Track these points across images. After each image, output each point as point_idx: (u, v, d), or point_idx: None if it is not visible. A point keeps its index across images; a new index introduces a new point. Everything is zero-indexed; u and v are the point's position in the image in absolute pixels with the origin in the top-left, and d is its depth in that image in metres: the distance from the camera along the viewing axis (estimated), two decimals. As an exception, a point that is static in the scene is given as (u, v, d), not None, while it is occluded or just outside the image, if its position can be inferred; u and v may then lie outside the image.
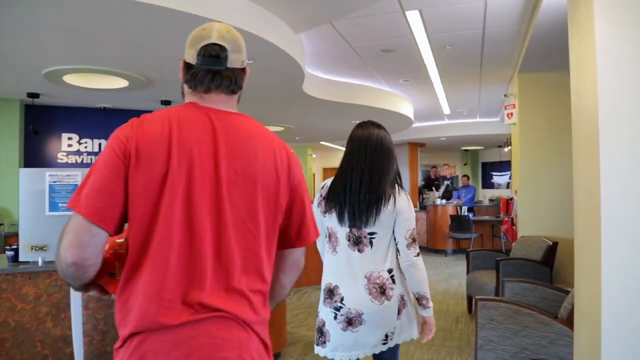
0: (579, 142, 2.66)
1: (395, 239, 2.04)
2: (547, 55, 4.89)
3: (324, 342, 2.06)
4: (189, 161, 1.15)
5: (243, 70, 1.32)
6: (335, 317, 2.00)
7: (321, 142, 14.71)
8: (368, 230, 2.00)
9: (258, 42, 3.98)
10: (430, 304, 2.12)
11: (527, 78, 5.79)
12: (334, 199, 2.04)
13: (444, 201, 10.55)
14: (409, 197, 2.12)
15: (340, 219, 2.02)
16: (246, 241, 1.21)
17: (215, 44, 1.24)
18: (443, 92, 7.36)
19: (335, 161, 17.79)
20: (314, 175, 18.34)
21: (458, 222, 9.86)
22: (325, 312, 2.06)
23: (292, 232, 1.36)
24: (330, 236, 2.09)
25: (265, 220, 1.25)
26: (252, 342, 1.20)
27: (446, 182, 11.03)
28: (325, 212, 2.08)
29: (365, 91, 6.86)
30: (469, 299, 5.48)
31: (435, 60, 5.66)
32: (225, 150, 1.20)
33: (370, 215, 1.97)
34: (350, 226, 2.01)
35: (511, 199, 6.19)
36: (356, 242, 2.01)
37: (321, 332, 2.08)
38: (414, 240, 2.04)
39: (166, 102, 6.43)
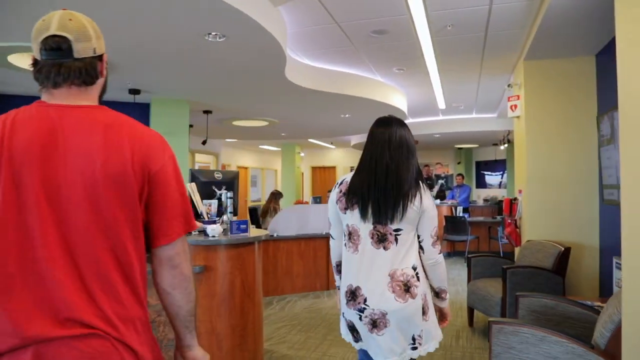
0: (629, 135, 2.07)
1: (419, 237, 2.03)
2: (558, 39, 4.37)
3: (359, 340, 2.05)
4: (17, 165, 1.12)
5: (98, 58, 1.27)
6: (361, 319, 1.97)
7: (309, 140, 14.13)
8: (394, 227, 1.95)
9: (230, 14, 3.38)
10: (448, 296, 2.18)
11: (534, 66, 5.24)
12: (357, 195, 1.98)
13: (437, 201, 9.99)
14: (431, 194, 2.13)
15: (364, 215, 1.96)
16: (96, 243, 1.16)
17: (55, 36, 1.19)
18: (439, 83, 6.79)
19: (325, 160, 17.27)
20: (302, 174, 17.75)
21: (453, 224, 9.32)
22: (350, 314, 2.01)
23: (154, 226, 1.27)
24: (351, 234, 2.01)
25: (124, 217, 1.19)
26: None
27: (440, 182, 10.49)
28: (345, 209, 2.01)
29: (355, 81, 6.28)
30: (470, 310, 4.91)
31: (433, 44, 5.09)
32: (65, 149, 1.15)
33: (397, 211, 1.93)
34: (375, 222, 1.96)
35: (515, 199, 5.64)
36: (381, 240, 1.96)
37: (354, 329, 2.04)
38: (437, 238, 2.04)
39: (134, 91, 5.80)
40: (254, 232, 3.69)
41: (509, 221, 5.81)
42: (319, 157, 17.16)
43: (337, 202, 2.06)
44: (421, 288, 1.98)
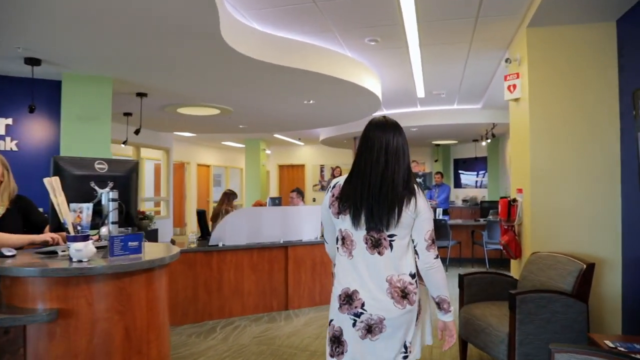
0: None
1: (413, 241, 1.96)
2: (571, 2, 3.38)
3: (342, 353, 1.93)
4: None
5: None
6: (354, 324, 1.90)
7: (275, 136, 12.94)
8: (388, 232, 1.90)
9: None
10: (452, 308, 2.00)
11: (540, 35, 4.22)
12: (349, 202, 1.91)
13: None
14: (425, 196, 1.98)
15: (356, 223, 1.90)
16: None
17: None
18: (420, 61, 5.70)
19: (293, 157, 16.10)
20: (268, 172, 16.53)
21: (436, 228, 8.28)
22: (342, 320, 1.93)
23: None
24: (345, 239, 1.95)
25: None
26: None
27: (418, 180, 9.44)
28: (338, 214, 1.95)
29: (318, 54, 5.13)
30: (463, 343, 3.82)
31: (416, 5, 3.99)
32: None
33: (392, 217, 1.88)
34: (368, 229, 1.90)
35: (514, 200, 4.59)
36: (375, 245, 1.90)
37: (339, 341, 1.94)
38: (433, 241, 1.96)
39: (32, 61, 4.51)
40: (157, 249, 2.51)
41: (505, 227, 4.76)
42: (286, 155, 15.98)
43: (329, 207, 1.99)
44: (418, 295, 1.95)
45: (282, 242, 5.49)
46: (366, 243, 1.91)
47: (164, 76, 5.22)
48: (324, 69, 5.01)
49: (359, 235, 1.92)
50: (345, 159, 14.60)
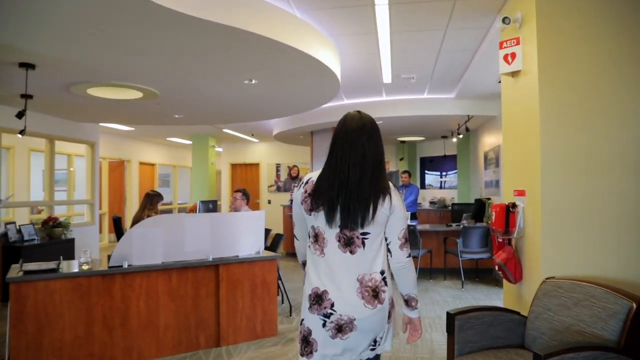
0: None
1: (386, 239, 1.94)
2: None
3: (310, 352, 1.91)
4: None
5: None
6: (324, 325, 1.88)
7: (225, 131, 11.60)
8: (361, 230, 1.87)
9: None
10: (419, 305, 2.04)
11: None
12: (323, 198, 1.86)
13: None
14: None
15: (330, 220, 1.86)
16: None
17: None
18: (388, 31, 4.56)
19: (247, 155, 14.76)
20: (219, 172, 15.15)
21: (400, 235, 7.19)
22: (311, 320, 1.91)
23: None
24: (317, 236, 1.92)
25: None
26: None
27: None
28: (311, 211, 1.90)
29: (256, 10, 3.88)
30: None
31: None
32: None
33: (367, 214, 1.85)
34: (342, 227, 1.87)
35: (514, 205, 3.48)
36: (347, 243, 1.88)
37: (307, 341, 1.92)
38: (406, 240, 1.97)
39: None
40: None
41: (500, 240, 3.67)
42: (239, 153, 14.64)
43: (302, 203, 1.95)
44: (388, 293, 1.92)
45: (211, 259, 4.23)
46: (338, 241, 1.89)
47: (55, 40, 3.86)
48: (260, 28, 3.76)
49: (331, 233, 1.89)
50: (302, 157, 13.38)
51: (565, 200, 3.02)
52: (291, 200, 10.27)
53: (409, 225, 6.77)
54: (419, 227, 7.49)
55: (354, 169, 1.86)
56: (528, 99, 3.28)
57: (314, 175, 1.97)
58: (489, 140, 8.22)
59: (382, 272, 1.90)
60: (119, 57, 4.37)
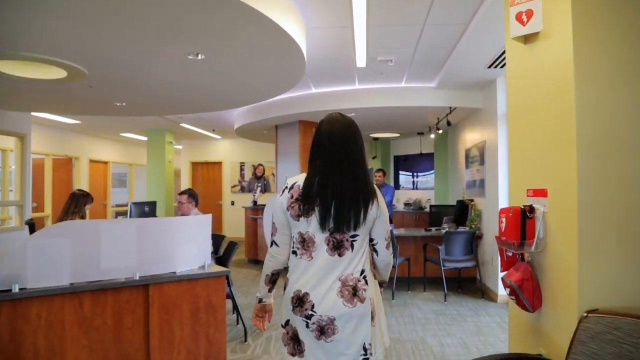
0: None
1: (372, 240, 1.99)
2: None
3: (302, 352, 1.93)
4: None
5: None
6: (307, 326, 1.89)
7: (182, 125, 10.57)
8: (351, 233, 1.90)
9: None
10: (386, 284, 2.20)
11: None
12: (315, 202, 1.88)
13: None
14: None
15: (324, 224, 1.88)
16: None
17: None
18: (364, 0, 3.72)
19: (209, 153, 13.72)
20: (178, 171, 14.08)
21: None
22: (296, 321, 1.93)
23: None
24: (305, 241, 1.92)
25: None
26: None
27: None
28: (299, 216, 1.90)
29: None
30: None
31: None
32: None
33: (359, 217, 1.88)
34: (334, 230, 1.88)
35: (531, 209, 2.66)
36: (337, 246, 1.90)
37: (298, 340, 1.94)
38: (390, 239, 2.03)
39: None
40: None
41: (510, 254, 2.85)
42: (200, 150, 13.59)
43: (287, 209, 1.93)
44: (369, 292, 1.92)
45: (138, 277, 3.28)
46: (327, 244, 1.89)
47: None
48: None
49: (322, 237, 1.90)
50: (268, 156, 12.45)
51: (612, 201, 2.21)
52: (254, 202, 9.32)
53: None
54: (395, 232, 6.67)
55: (344, 173, 1.87)
56: (553, 71, 2.46)
57: (299, 179, 1.97)
58: (471, 136, 7.49)
59: (363, 272, 1.93)
60: (28, 18, 3.38)
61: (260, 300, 2.14)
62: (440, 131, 7.97)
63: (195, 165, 13.72)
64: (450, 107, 6.81)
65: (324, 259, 1.88)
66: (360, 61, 5.57)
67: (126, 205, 14.23)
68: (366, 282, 1.91)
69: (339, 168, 1.88)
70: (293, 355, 1.94)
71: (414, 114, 7.59)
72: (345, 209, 1.86)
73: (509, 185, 3.27)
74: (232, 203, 13.22)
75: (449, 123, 7.08)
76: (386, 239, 1.98)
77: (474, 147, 7.25)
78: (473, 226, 6.78)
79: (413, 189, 11.36)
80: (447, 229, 6.87)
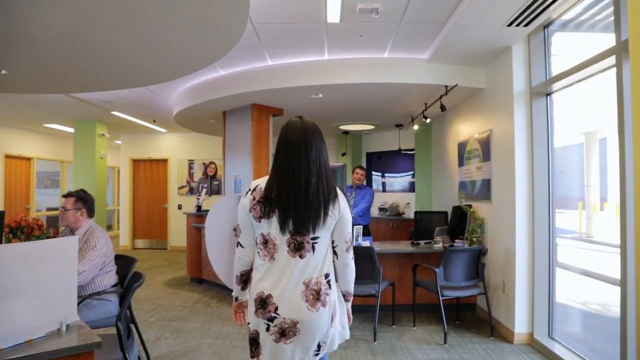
0: None
1: (333, 242, 2.03)
2: None
3: (260, 354, 1.97)
4: None
5: None
6: (268, 329, 1.93)
7: (115, 113, 8.73)
8: (312, 235, 1.94)
9: None
10: (352, 297, 2.18)
11: None
12: (274, 204, 1.92)
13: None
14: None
15: (284, 226, 1.92)
16: None
17: None
18: None
19: (153, 149, 11.78)
20: (117, 169, 12.14)
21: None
22: (257, 323, 1.96)
23: None
24: (267, 243, 1.97)
25: None
26: None
27: None
28: (261, 218, 1.95)
29: None
30: None
31: None
32: None
33: (318, 220, 1.92)
34: (293, 232, 1.93)
35: None
36: (297, 248, 1.94)
37: (256, 342, 1.98)
38: (352, 242, 2.09)
39: None
40: None
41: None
42: (143, 146, 11.70)
43: (250, 211, 1.97)
44: (332, 296, 1.98)
45: None
46: (288, 246, 1.93)
47: None
48: None
49: (282, 238, 1.93)
50: (221, 152, 10.68)
51: None
52: (197, 207, 7.58)
53: (364, 248, 4.35)
54: (377, 248, 5.09)
55: (304, 175, 1.91)
56: None
57: (261, 182, 2.00)
58: (468, 126, 6.00)
59: (327, 275, 1.97)
60: None
61: (236, 299, 2.17)
62: (428, 120, 6.45)
63: (136, 163, 11.81)
64: (447, 87, 5.28)
65: (285, 261, 1.92)
66: (333, 13, 3.97)
67: (56, 210, 12.22)
68: (330, 286, 1.97)
69: (299, 171, 1.91)
70: (252, 357, 1.99)
71: (397, 97, 6.02)
72: (305, 211, 1.89)
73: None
74: (179, 207, 11.40)
75: (443, 108, 5.55)
76: (347, 241, 2.04)
77: (472, 140, 5.76)
78: (474, 239, 5.27)
79: (383, 191, 9.85)
80: (441, 244, 5.34)
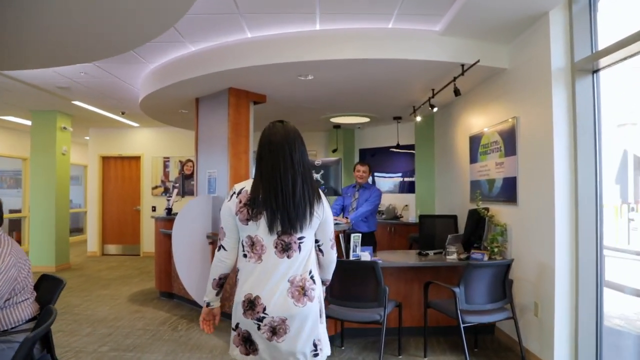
0: None
1: (317, 241, 2.11)
2: None
3: (255, 350, 1.97)
4: None
5: None
6: (259, 328, 1.94)
7: (76, 103, 7.70)
8: (298, 235, 1.98)
9: None
10: (329, 282, 2.30)
11: None
12: (263, 206, 1.95)
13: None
14: None
15: (272, 227, 1.94)
16: None
17: None
18: None
19: (125, 145, 10.71)
20: (85, 168, 11.06)
21: (352, 279, 3.84)
22: (247, 324, 1.97)
23: None
24: (254, 244, 1.98)
25: None
26: None
27: (317, 179, 4.89)
28: (248, 220, 1.97)
29: None
30: None
31: None
32: None
33: (305, 220, 1.97)
34: (282, 233, 1.96)
35: None
36: (285, 249, 1.97)
37: (250, 341, 1.99)
38: (334, 239, 2.19)
39: None
40: None
41: None
42: (113, 141, 10.64)
43: (237, 214, 1.99)
44: (317, 291, 2.01)
45: None
46: (276, 247, 1.95)
47: None
48: None
49: (270, 240, 1.95)
50: (199, 148, 9.68)
51: None
52: (168, 209, 6.59)
53: (365, 264, 3.62)
54: (381, 262, 4.16)
55: (290, 175, 1.94)
56: None
57: (246, 184, 2.03)
58: (484, 116, 5.12)
59: (311, 272, 2.01)
60: None
61: (208, 304, 2.11)
62: (435, 109, 5.55)
63: (106, 160, 10.74)
64: (463, 65, 4.38)
65: (273, 261, 1.94)
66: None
67: (19, 212, 11.10)
68: (314, 282, 2.00)
69: (285, 172, 1.94)
70: (247, 354, 1.99)
71: (401, 78, 5.10)
72: (292, 212, 1.93)
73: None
74: (154, 209, 10.35)
75: (457, 92, 4.64)
76: (331, 239, 2.13)
77: (489, 131, 4.88)
78: (495, 250, 4.38)
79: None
80: (456, 255, 4.44)
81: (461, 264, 4.32)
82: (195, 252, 5.17)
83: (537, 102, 3.90)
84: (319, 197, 2.03)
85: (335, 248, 2.18)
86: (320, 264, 2.14)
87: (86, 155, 11.90)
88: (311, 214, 1.97)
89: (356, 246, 4.30)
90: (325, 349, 2.04)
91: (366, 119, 7.59)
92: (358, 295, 3.82)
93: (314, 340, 1.97)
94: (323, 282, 2.20)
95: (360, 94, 5.86)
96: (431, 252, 4.79)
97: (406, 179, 8.32)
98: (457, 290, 3.69)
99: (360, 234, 4.34)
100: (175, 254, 5.18)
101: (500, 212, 4.62)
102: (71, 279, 7.57)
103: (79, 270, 8.45)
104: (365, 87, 5.47)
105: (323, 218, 2.04)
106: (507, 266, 3.89)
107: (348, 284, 3.86)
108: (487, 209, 4.75)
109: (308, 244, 2.01)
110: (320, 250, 2.12)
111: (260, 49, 4.48)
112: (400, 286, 4.52)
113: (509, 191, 4.44)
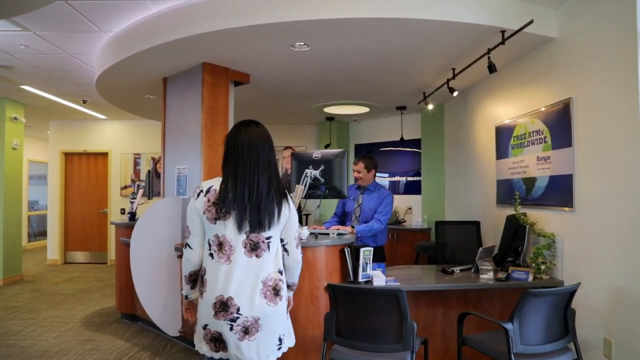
0: None
1: (282, 240, 2.11)
2: None
3: (225, 348, 1.97)
4: None
5: None
6: (232, 329, 1.93)
7: (25, 88, 6.56)
8: (266, 234, 1.99)
9: None
10: (296, 287, 2.28)
11: None
12: (231, 205, 1.95)
13: (305, 231, 3.38)
14: None
15: (241, 226, 1.96)
16: None
17: None
18: None
19: (91, 141, 9.54)
20: (47, 165, 9.86)
21: (365, 313, 2.82)
22: (219, 325, 1.95)
23: None
24: (222, 245, 1.97)
25: None
26: None
27: (307, 173, 3.83)
28: (216, 219, 1.97)
29: None
30: None
31: None
32: None
33: (273, 219, 1.99)
34: (250, 232, 1.97)
35: None
36: (254, 248, 1.98)
37: (220, 340, 1.96)
38: (299, 239, 2.19)
39: None
40: None
41: None
42: (77, 136, 9.47)
43: (204, 212, 1.98)
44: (285, 290, 2.07)
45: None
46: (245, 247, 1.96)
47: None
48: None
49: (238, 239, 1.95)
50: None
51: None
52: (131, 213, 5.52)
53: (382, 291, 3.11)
54: (404, 287, 3.16)
55: (257, 176, 1.97)
56: None
57: (214, 183, 2.01)
58: (519, 100, 4.18)
59: (280, 272, 2.05)
60: None
61: (186, 297, 2.14)
62: (456, 93, 4.59)
63: (69, 157, 9.56)
64: (502, 32, 3.41)
65: (243, 261, 1.95)
66: None
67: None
68: (283, 281, 2.04)
69: (252, 172, 1.96)
70: (217, 351, 1.96)
71: (417, 51, 4.10)
72: (263, 211, 1.95)
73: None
74: (123, 211, 9.18)
75: (492, 68, 3.66)
76: (295, 238, 2.12)
77: (528, 119, 3.93)
78: (542, 268, 3.43)
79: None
80: (491, 274, 3.48)
81: (499, 286, 3.37)
82: (159, 269, 4.13)
83: (606, 78, 2.95)
84: (285, 196, 2.06)
85: (300, 248, 2.17)
86: (285, 266, 2.12)
87: (43, 151, 10.72)
88: (279, 212, 2.00)
89: (366, 264, 3.30)
90: (288, 341, 2.11)
91: (365, 109, 6.59)
92: (374, 334, 2.81)
93: (280, 335, 2.03)
94: (289, 287, 2.20)
95: (362, 75, 4.85)
96: (457, 269, 3.81)
97: (409, 179, 7.34)
98: (509, 327, 2.71)
99: (371, 249, 3.34)
100: (135, 271, 4.13)
101: (544, 218, 3.67)
102: (19, 295, 6.43)
103: (33, 284, 7.29)
104: (369, 66, 4.47)
105: (289, 217, 2.07)
106: (570, 295, 2.92)
107: (360, 318, 2.85)
108: (524, 215, 3.80)
109: (276, 243, 2.05)
110: (286, 250, 2.11)
111: (243, 5, 3.43)
112: (419, 313, 3.53)
113: (559, 192, 3.49)
